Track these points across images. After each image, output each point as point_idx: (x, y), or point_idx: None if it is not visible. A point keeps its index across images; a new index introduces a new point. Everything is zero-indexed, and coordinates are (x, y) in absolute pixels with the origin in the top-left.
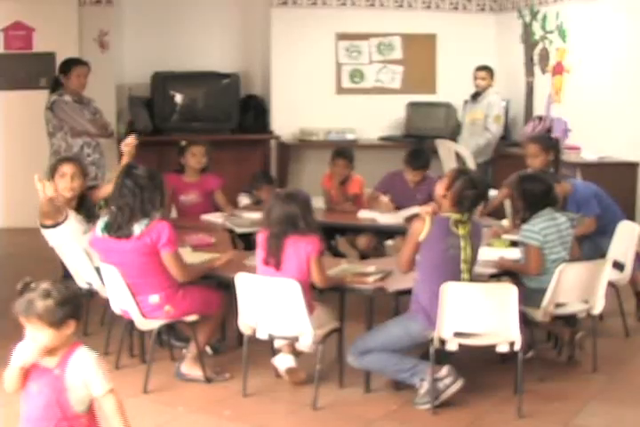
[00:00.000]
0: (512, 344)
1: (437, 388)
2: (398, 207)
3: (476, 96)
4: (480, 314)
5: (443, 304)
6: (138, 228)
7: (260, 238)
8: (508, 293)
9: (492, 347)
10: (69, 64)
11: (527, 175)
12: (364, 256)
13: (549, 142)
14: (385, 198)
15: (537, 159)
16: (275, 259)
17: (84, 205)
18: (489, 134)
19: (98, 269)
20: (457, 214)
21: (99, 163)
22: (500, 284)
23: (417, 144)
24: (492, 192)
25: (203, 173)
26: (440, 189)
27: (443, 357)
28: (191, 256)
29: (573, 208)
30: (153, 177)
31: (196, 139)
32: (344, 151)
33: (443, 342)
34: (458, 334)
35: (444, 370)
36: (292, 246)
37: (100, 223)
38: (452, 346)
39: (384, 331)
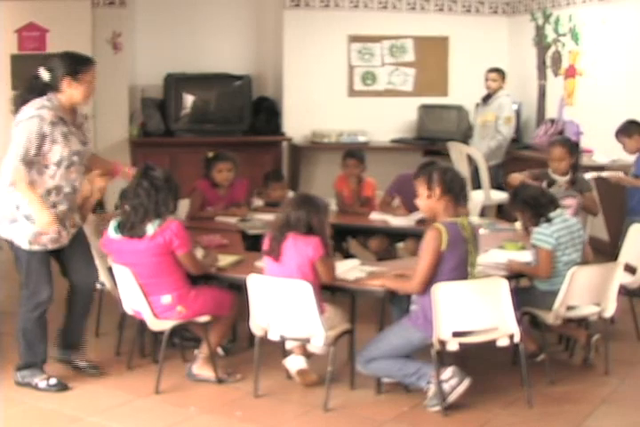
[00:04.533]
0: (512, 337)
1: (444, 390)
2: (409, 209)
3: (486, 98)
4: (474, 311)
5: (437, 305)
6: (151, 228)
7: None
8: (498, 286)
9: (493, 342)
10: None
11: (516, 189)
12: (376, 258)
13: (573, 145)
14: (397, 203)
15: (562, 163)
16: (275, 252)
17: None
18: (500, 136)
19: (109, 270)
20: (460, 218)
21: None
22: (489, 278)
23: (430, 160)
24: (501, 194)
25: (231, 184)
26: (422, 196)
27: (453, 358)
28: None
29: None
30: (168, 179)
31: (222, 152)
32: (354, 151)
33: (443, 343)
34: (456, 334)
35: (449, 371)
36: (292, 246)
37: (113, 223)
38: (453, 346)
39: (385, 340)
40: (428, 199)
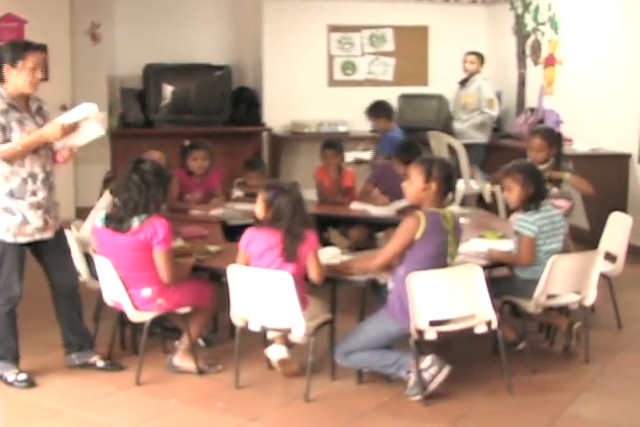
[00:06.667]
0: (489, 324)
1: (424, 379)
2: (390, 199)
3: (464, 82)
4: (450, 299)
5: (413, 295)
6: (136, 221)
7: (253, 234)
8: (472, 273)
9: (472, 331)
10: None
11: (528, 164)
12: (356, 248)
13: (553, 136)
14: (377, 193)
15: (540, 153)
16: (295, 256)
17: None
18: (485, 114)
19: (87, 259)
20: (443, 209)
21: None
22: (463, 266)
23: (407, 138)
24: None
25: (206, 172)
26: (415, 184)
27: (434, 347)
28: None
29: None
30: (159, 173)
31: (198, 140)
32: (332, 141)
33: (421, 332)
34: (434, 323)
35: (428, 360)
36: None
37: (101, 215)
38: (431, 335)
39: (363, 332)
40: (420, 191)
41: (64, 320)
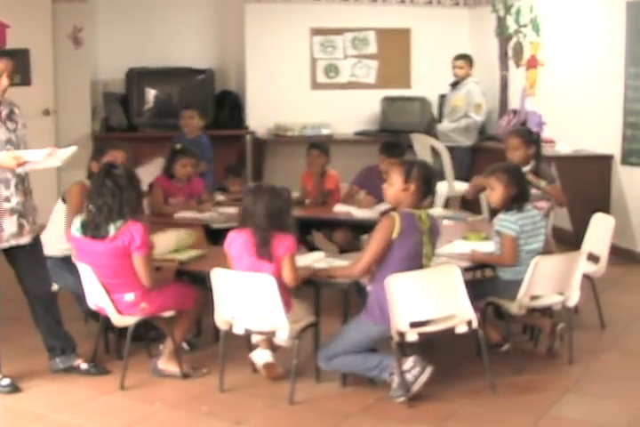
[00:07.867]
0: (470, 324)
1: (407, 380)
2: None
3: (455, 84)
4: (430, 300)
5: (392, 297)
6: (112, 228)
7: (234, 236)
8: (450, 273)
9: (454, 332)
10: None
11: (514, 166)
12: (341, 251)
13: (530, 136)
14: (363, 194)
15: (517, 152)
16: (268, 252)
17: None
18: (470, 120)
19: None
20: (419, 210)
21: None
22: (441, 266)
23: (391, 137)
24: (465, 185)
25: (189, 179)
26: (395, 185)
27: (418, 349)
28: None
29: None
30: (131, 177)
31: (188, 147)
32: (317, 142)
33: (402, 334)
34: (415, 324)
35: (410, 361)
36: (274, 244)
37: (77, 222)
38: (412, 337)
39: (345, 336)
40: (400, 191)
41: (42, 326)
